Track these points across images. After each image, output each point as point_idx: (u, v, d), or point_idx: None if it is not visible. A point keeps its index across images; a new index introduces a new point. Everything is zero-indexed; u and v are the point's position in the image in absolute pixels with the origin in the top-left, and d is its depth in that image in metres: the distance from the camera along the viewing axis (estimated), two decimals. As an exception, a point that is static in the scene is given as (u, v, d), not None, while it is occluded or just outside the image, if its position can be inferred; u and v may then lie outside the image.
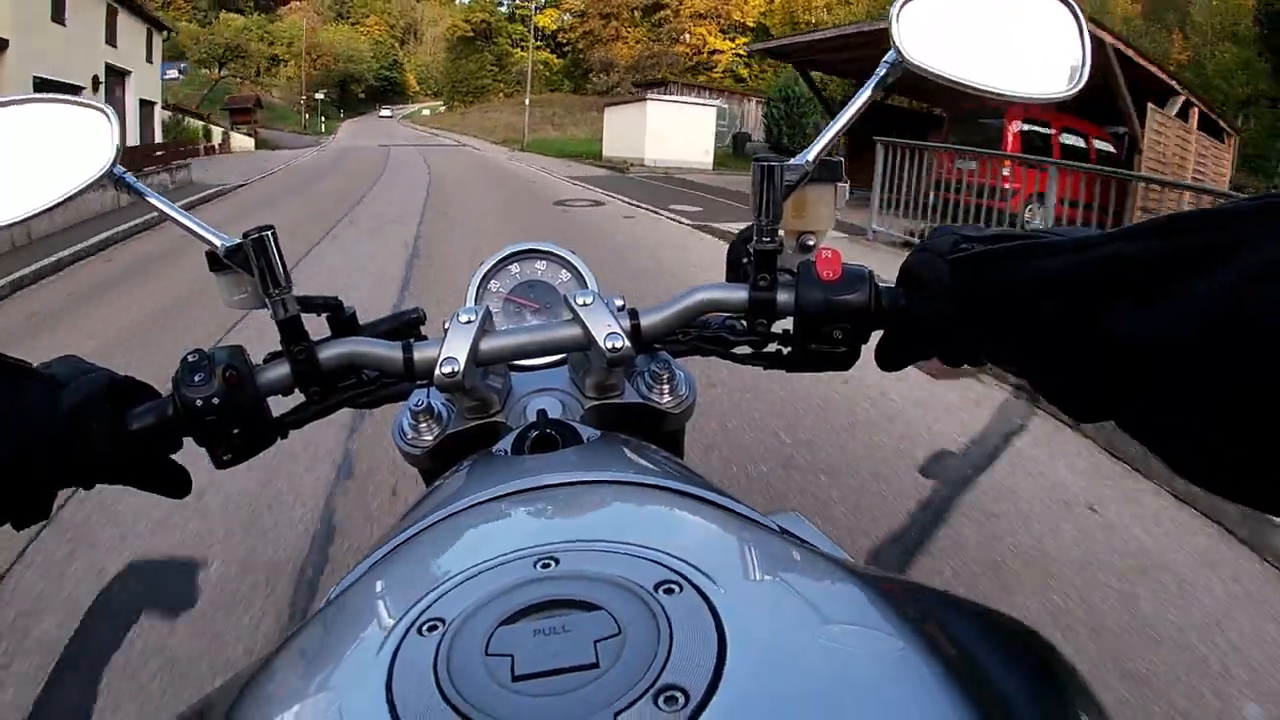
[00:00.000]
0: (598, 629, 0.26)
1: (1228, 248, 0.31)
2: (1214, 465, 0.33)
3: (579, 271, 0.76)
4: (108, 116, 0.51)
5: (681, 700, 0.24)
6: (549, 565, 0.31)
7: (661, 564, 0.30)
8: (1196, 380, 0.31)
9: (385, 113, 54.84)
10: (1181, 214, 0.32)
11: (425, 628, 0.28)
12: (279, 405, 0.50)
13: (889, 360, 0.47)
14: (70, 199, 0.50)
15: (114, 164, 0.50)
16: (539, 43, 42.79)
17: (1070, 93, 0.52)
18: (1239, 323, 0.30)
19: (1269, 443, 0.31)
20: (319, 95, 38.40)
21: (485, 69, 46.45)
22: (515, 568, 0.31)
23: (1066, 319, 0.37)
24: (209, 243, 0.50)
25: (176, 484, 0.47)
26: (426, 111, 50.59)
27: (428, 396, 0.65)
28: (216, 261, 0.50)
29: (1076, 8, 0.55)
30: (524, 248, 0.78)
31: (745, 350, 0.55)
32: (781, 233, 0.51)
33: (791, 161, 0.50)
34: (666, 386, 0.68)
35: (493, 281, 0.76)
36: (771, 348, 0.53)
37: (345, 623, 0.33)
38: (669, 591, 0.28)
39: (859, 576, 0.33)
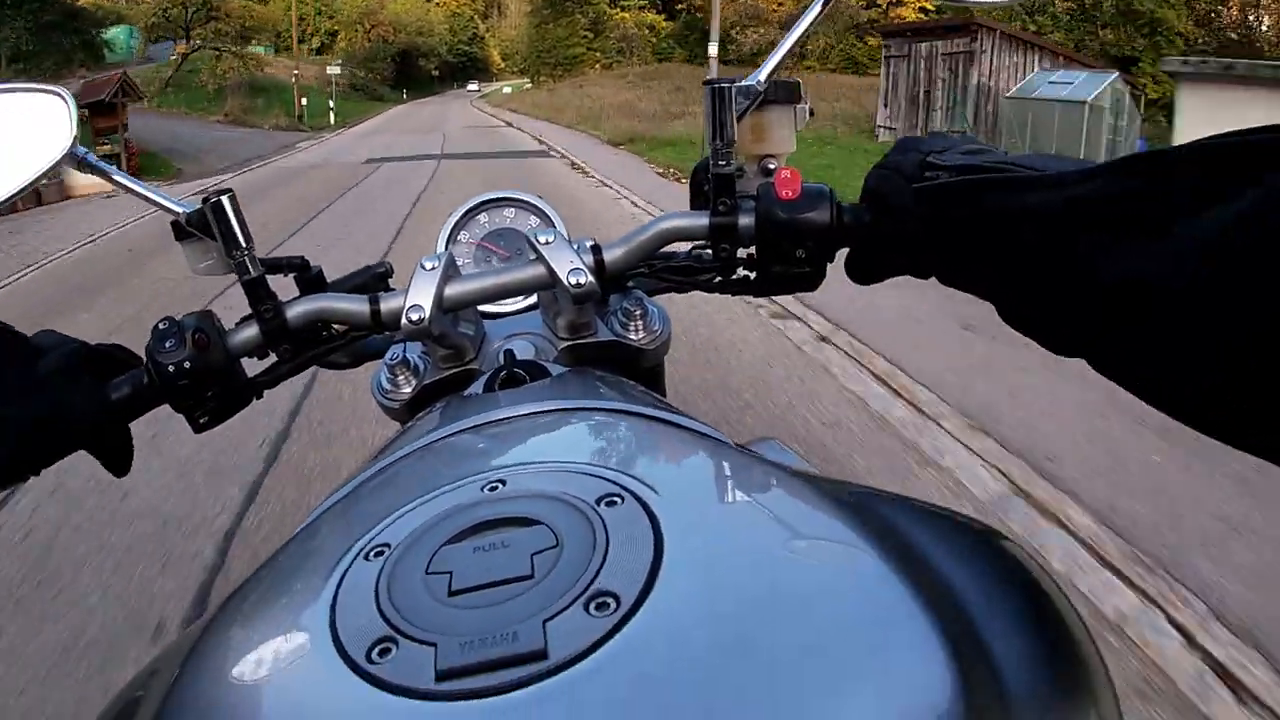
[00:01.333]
0: (536, 542, 0.26)
1: (1224, 184, 0.29)
2: (1211, 409, 0.30)
3: (547, 215, 0.68)
4: (63, 99, 0.50)
5: (612, 605, 0.23)
6: (496, 488, 0.30)
7: (606, 479, 0.29)
8: (1192, 322, 0.29)
9: (473, 87, 56.66)
10: (1171, 149, 0.30)
11: (372, 553, 0.28)
12: (254, 368, 0.47)
13: (860, 275, 0.45)
14: (33, 184, 0.48)
15: (73, 145, 0.48)
16: (644, 0, 37.05)
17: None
18: (1239, 263, 0.27)
19: (1272, 388, 0.28)
20: (355, 72, 36.09)
21: (577, 35, 41.67)
22: (462, 492, 0.30)
23: (1044, 254, 0.33)
24: (171, 211, 0.48)
25: (123, 459, 0.46)
26: (507, 89, 49.12)
27: (404, 351, 0.61)
28: (181, 230, 0.48)
29: None
30: (492, 196, 0.70)
31: (712, 278, 0.50)
32: (742, 158, 0.48)
33: (743, 82, 0.48)
34: (640, 323, 0.62)
35: (462, 232, 0.70)
36: (740, 274, 0.50)
37: (299, 558, 0.32)
38: (610, 504, 0.27)
39: (813, 485, 0.30)
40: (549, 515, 0.27)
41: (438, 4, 60.36)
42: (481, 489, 0.30)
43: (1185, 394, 0.30)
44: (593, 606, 0.23)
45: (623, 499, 0.27)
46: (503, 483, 0.30)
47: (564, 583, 0.24)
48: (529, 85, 45.28)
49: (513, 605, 0.24)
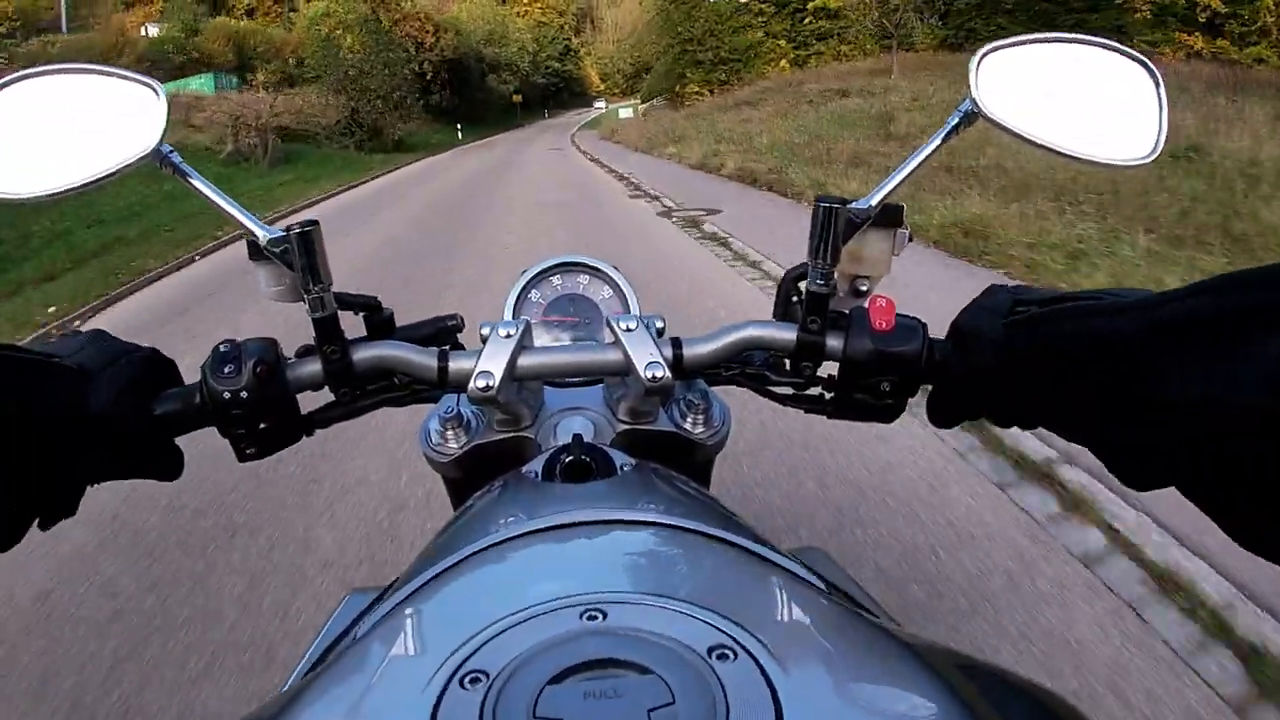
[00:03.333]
0: (651, 696, 0.27)
1: None
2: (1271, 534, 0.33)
3: (621, 290, 0.73)
4: (156, 93, 0.53)
5: None
6: (596, 618, 0.32)
7: (712, 625, 0.32)
8: (1261, 445, 0.31)
9: (600, 105, 47.53)
10: (1241, 272, 0.34)
11: (468, 679, 0.28)
12: (306, 400, 0.53)
13: (940, 417, 0.51)
14: (114, 175, 0.52)
15: (161, 142, 0.52)
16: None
17: (1146, 160, 0.53)
18: None
19: None
20: (344, 101, 22.80)
21: (751, 12, 28.73)
22: (560, 617, 0.32)
23: (1123, 382, 0.37)
24: (251, 232, 0.52)
25: (173, 467, 0.50)
26: (626, 112, 37.36)
27: (458, 404, 0.65)
28: (257, 251, 0.52)
29: (1157, 73, 0.56)
30: (567, 260, 0.74)
31: (785, 390, 0.56)
32: (836, 275, 0.53)
33: (855, 205, 0.53)
34: (701, 417, 0.65)
35: (534, 291, 0.73)
36: (814, 390, 0.55)
37: (381, 664, 0.33)
38: (722, 658, 0.29)
39: (903, 643, 0.35)
40: (660, 664, 0.28)
41: (519, 14, 52.34)
42: (581, 616, 0.32)
43: (1253, 522, 0.33)
44: None
45: (735, 654, 0.29)
46: (603, 613, 0.32)
47: None
48: (644, 107, 38.13)
49: None
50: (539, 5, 56.94)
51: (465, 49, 37.03)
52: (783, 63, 27.20)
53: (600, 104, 51.20)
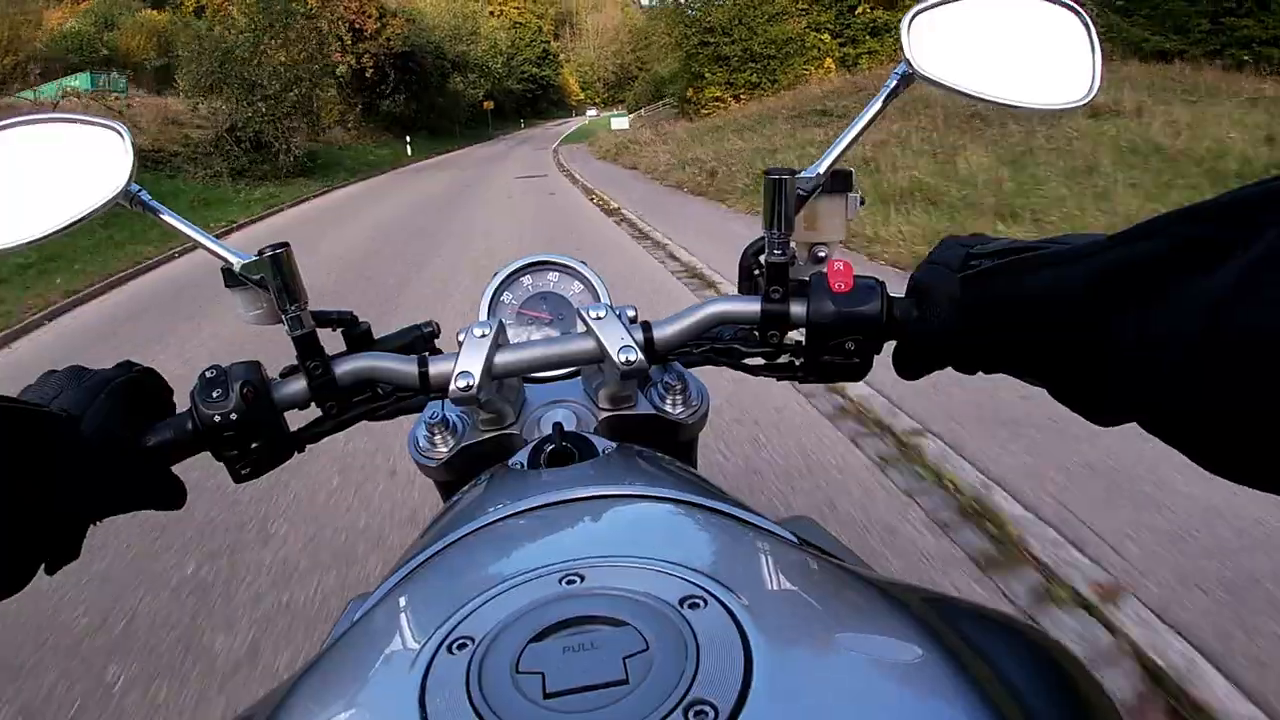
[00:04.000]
0: (626, 645, 0.30)
1: (1231, 239, 0.34)
2: (1242, 459, 0.35)
3: (591, 283, 0.77)
4: (121, 135, 0.57)
5: (711, 714, 0.26)
6: (574, 581, 0.35)
7: (685, 579, 0.35)
8: (1210, 377, 0.34)
9: (592, 113, 46.66)
10: (1182, 209, 0.38)
11: (455, 645, 0.32)
12: (294, 418, 0.58)
13: (906, 370, 0.55)
14: (86, 218, 0.56)
15: (129, 182, 0.55)
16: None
17: (1083, 102, 0.56)
18: (1247, 314, 0.32)
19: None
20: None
21: (761, 8, 21.13)
22: (541, 584, 0.36)
23: (1076, 327, 0.41)
24: (224, 259, 0.55)
25: (174, 496, 0.52)
26: (621, 122, 32.16)
27: (442, 409, 0.69)
28: (233, 278, 0.55)
29: (1086, 16, 0.58)
30: (537, 259, 0.79)
31: (757, 361, 0.61)
32: (793, 244, 0.57)
33: (803, 173, 0.57)
34: (680, 397, 0.69)
35: (506, 293, 0.77)
36: (784, 358, 0.59)
37: (375, 640, 0.37)
38: (694, 606, 0.32)
39: (878, 587, 0.37)
40: (634, 616, 0.31)
41: (493, 12, 45.70)
42: (560, 581, 0.35)
43: (1215, 449, 0.36)
44: (691, 714, 0.26)
45: (705, 602, 0.32)
46: (580, 577, 0.35)
47: (660, 690, 0.27)
48: (628, 117, 34.80)
49: (612, 711, 0.27)
50: (515, 4, 52.90)
51: (421, 42, 30.70)
52: (827, 61, 21.54)
53: (593, 111, 49.26)
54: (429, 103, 31.38)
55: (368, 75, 24.73)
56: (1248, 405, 0.31)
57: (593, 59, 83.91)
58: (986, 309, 0.45)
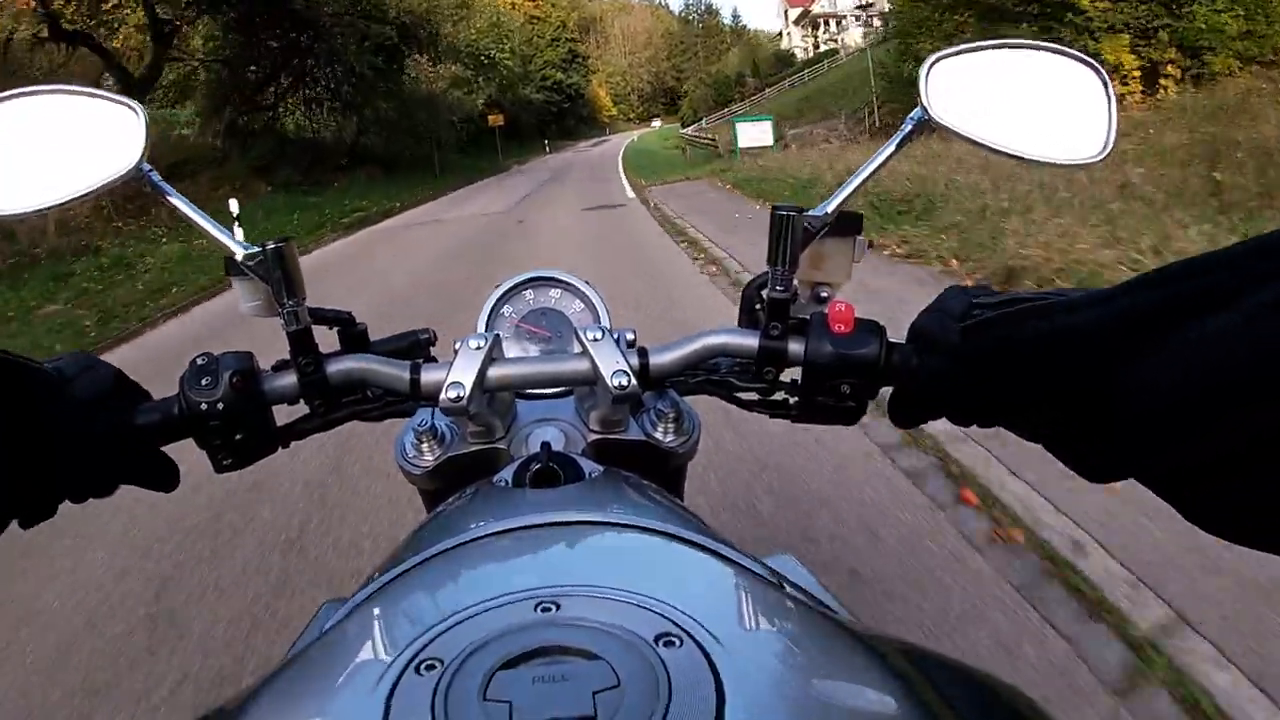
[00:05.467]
0: (597, 680, 0.31)
1: (1227, 291, 0.35)
2: (1231, 514, 0.38)
3: (592, 303, 0.83)
4: (136, 113, 0.62)
5: None
6: (549, 609, 0.37)
7: (662, 615, 0.36)
8: (1205, 429, 0.36)
9: (655, 124, 48.28)
10: (1179, 262, 0.39)
11: (423, 666, 0.33)
12: (282, 414, 0.60)
13: (901, 417, 0.57)
14: (96, 191, 0.60)
15: (141, 160, 0.59)
16: None
17: (1096, 160, 0.59)
18: (1242, 366, 0.34)
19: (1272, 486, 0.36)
20: None
21: None
22: (516, 609, 0.37)
23: (1074, 379, 0.43)
24: (227, 248, 0.59)
25: (167, 477, 0.57)
26: (756, 132, 17.91)
27: (432, 417, 0.75)
28: (235, 266, 0.59)
29: (1103, 73, 0.62)
30: (540, 275, 0.85)
31: (751, 396, 0.63)
32: (797, 282, 0.60)
33: (810, 212, 0.59)
34: (672, 425, 0.75)
35: (506, 306, 0.83)
36: (779, 395, 0.62)
37: (342, 654, 0.39)
38: (669, 644, 0.34)
39: (854, 635, 0.39)
40: (607, 650, 0.33)
41: (512, 4, 41.00)
42: (535, 608, 0.37)
43: (1204, 503, 0.39)
44: None
45: (680, 641, 0.34)
46: (556, 605, 0.37)
47: None
48: (681, 131, 35.16)
49: None
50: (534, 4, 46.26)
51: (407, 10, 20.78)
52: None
53: (656, 123, 47.96)
54: (365, 103, 20.36)
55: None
56: (1249, 461, 0.34)
57: (624, 68, 77.07)
58: (986, 359, 0.48)
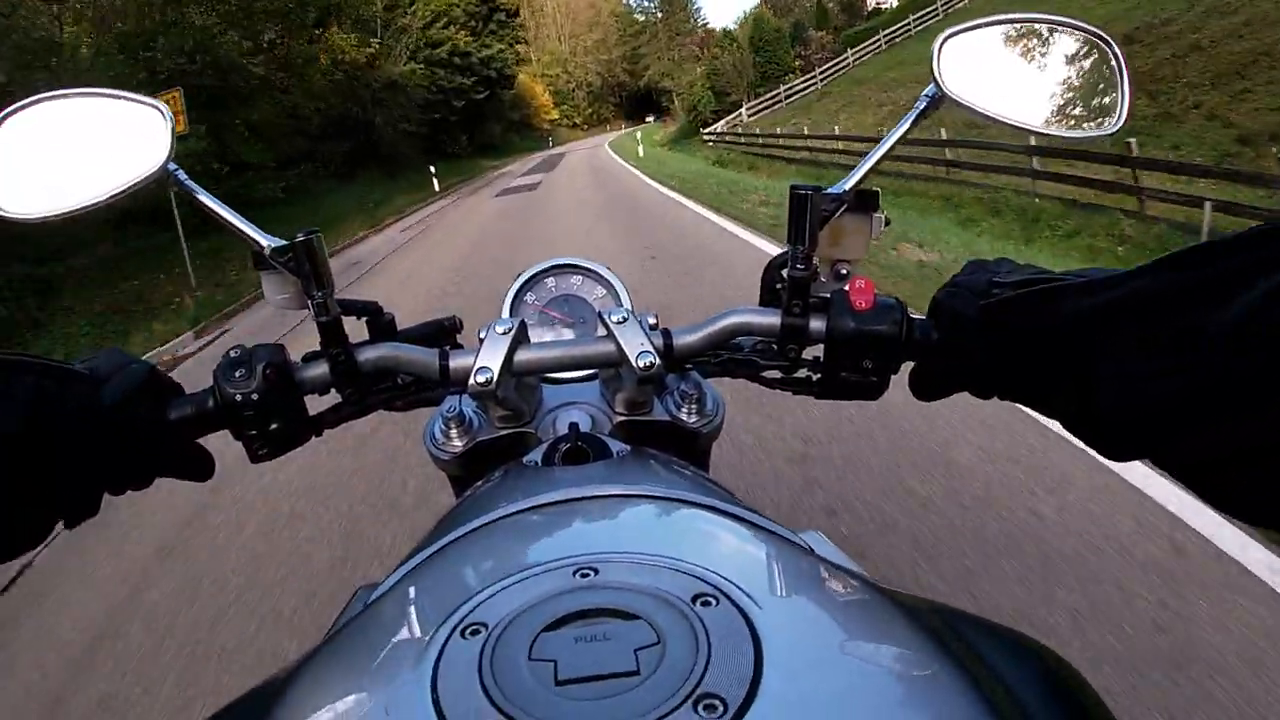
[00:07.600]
0: (638, 638, 0.36)
1: (1240, 276, 0.39)
2: (1249, 495, 0.42)
3: (614, 288, 1.00)
4: (162, 114, 0.70)
5: (720, 708, 0.31)
6: (588, 575, 0.42)
7: (697, 577, 0.41)
8: (1221, 411, 0.40)
9: (650, 118, 47.60)
10: (1194, 246, 0.43)
11: (468, 631, 0.38)
12: (314, 403, 0.69)
13: (923, 391, 0.66)
14: (125, 192, 0.68)
15: (168, 160, 0.68)
16: None
17: (1110, 132, 0.68)
18: (1256, 348, 0.37)
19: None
20: None
21: None
22: (555, 576, 0.42)
23: (1090, 358, 0.48)
24: (256, 243, 0.68)
25: (203, 467, 0.66)
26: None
27: (460, 403, 0.88)
28: (262, 260, 0.69)
29: (1115, 46, 0.70)
30: (562, 262, 1.01)
31: (775, 374, 0.74)
32: (816, 260, 0.68)
33: (829, 190, 0.69)
34: (695, 406, 0.89)
35: (529, 293, 1.00)
36: (801, 373, 0.72)
37: (386, 626, 0.44)
38: (706, 604, 0.38)
39: (885, 596, 0.44)
40: (647, 610, 0.38)
41: None
42: (574, 574, 0.42)
43: (1224, 484, 0.43)
44: (701, 708, 0.32)
45: (717, 600, 0.39)
46: (594, 570, 0.42)
47: (671, 683, 0.33)
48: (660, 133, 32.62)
49: (623, 701, 0.32)
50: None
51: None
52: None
53: (651, 117, 42.76)
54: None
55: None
56: (1258, 442, 0.38)
57: (564, 55, 62.18)
58: (1005, 336, 0.54)
